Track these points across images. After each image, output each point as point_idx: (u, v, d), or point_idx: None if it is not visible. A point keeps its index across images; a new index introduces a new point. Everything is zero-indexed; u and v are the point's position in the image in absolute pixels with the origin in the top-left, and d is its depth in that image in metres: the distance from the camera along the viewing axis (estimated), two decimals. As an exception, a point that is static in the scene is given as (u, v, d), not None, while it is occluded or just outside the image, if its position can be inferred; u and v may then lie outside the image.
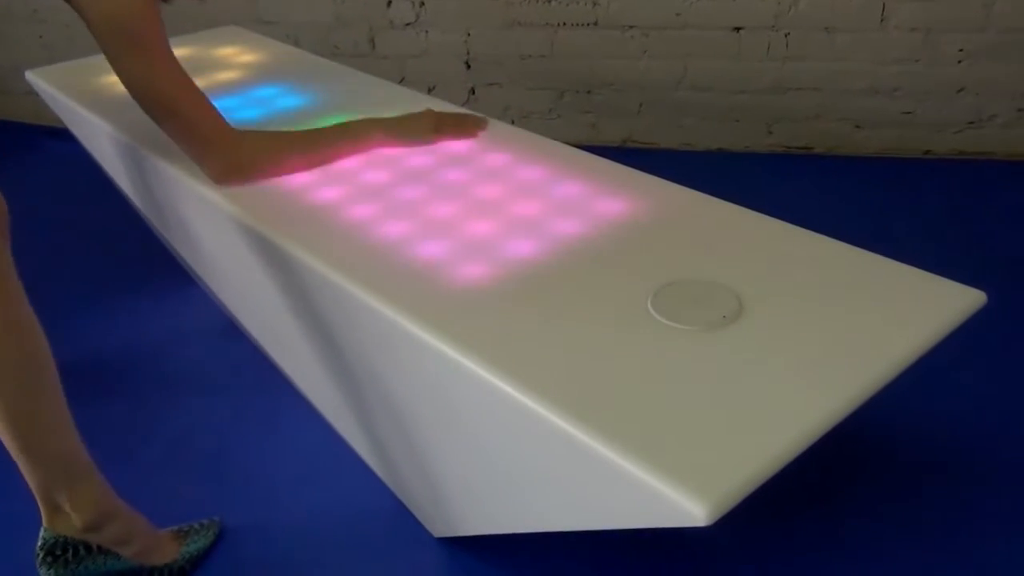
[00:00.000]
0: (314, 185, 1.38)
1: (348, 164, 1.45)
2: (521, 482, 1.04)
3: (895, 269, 1.12)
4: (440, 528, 1.38)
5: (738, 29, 2.58)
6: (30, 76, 2.02)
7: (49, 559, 1.21)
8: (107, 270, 2.30)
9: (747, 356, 0.96)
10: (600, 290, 1.09)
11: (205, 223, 1.50)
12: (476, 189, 1.35)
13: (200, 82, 1.83)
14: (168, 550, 1.35)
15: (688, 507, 0.76)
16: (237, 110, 1.69)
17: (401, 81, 2.83)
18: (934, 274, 1.10)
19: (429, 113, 1.51)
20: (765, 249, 1.17)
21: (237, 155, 1.32)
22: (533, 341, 0.99)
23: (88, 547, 1.24)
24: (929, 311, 1.03)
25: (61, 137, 2.98)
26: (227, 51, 2.07)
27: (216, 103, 1.71)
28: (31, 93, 3.09)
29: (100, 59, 2.05)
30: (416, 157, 1.46)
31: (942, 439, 1.62)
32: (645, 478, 0.79)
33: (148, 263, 2.25)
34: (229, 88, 1.82)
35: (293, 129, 1.44)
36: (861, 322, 1.01)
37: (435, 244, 1.20)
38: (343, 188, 1.36)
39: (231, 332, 1.96)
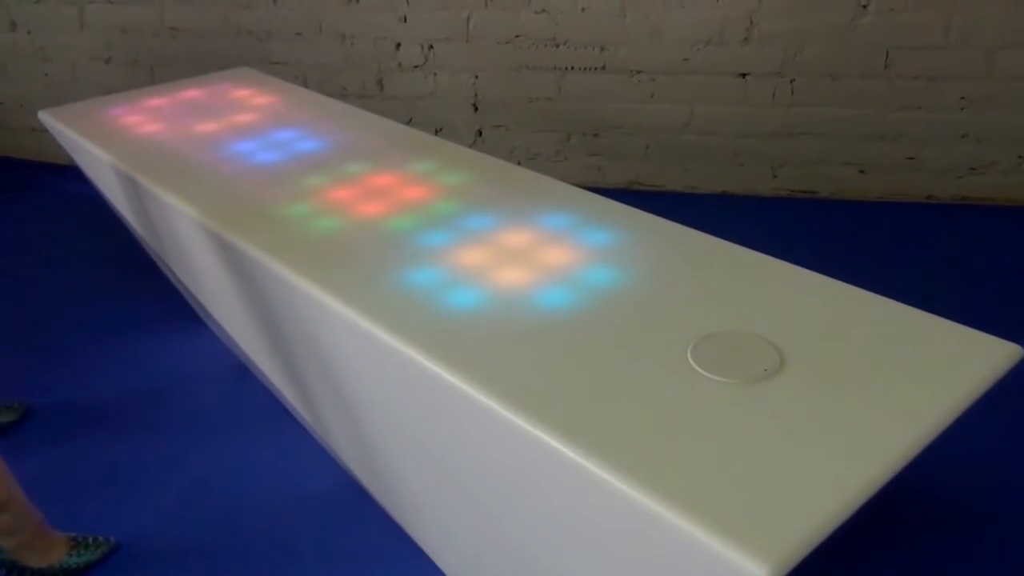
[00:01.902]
0: (342, 231, 1.37)
1: (371, 209, 1.45)
2: (569, 541, 1.02)
3: (929, 322, 1.12)
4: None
5: (744, 75, 2.62)
6: (43, 115, 2.01)
7: None
8: (114, 309, 2.28)
9: (793, 411, 0.95)
10: (639, 341, 1.08)
11: (224, 264, 1.49)
12: (502, 236, 1.35)
13: (218, 124, 1.86)
14: (51, 554, 1.38)
15: (750, 568, 0.75)
16: (257, 153, 1.69)
17: (409, 122, 2.84)
18: (969, 328, 1.10)
19: None
20: (799, 300, 1.17)
21: None
22: (578, 396, 0.98)
23: None
24: (969, 366, 1.03)
25: (64, 174, 2.98)
26: (242, 93, 2.07)
27: (235, 146, 1.73)
28: (35, 130, 3.09)
29: (109, 99, 2.07)
30: (440, 203, 1.46)
31: (954, 484, 1.62)
32: (704, 538, 0.78)
33: (155, 302, 2.24)
34: (247, 131, 1.82)
35: None
36: (904, 377, 1.01)
37: (467, 292, 1.19)
38: (366, 233, 1.36)
39: (242, 373, 1.94)
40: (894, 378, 1.01)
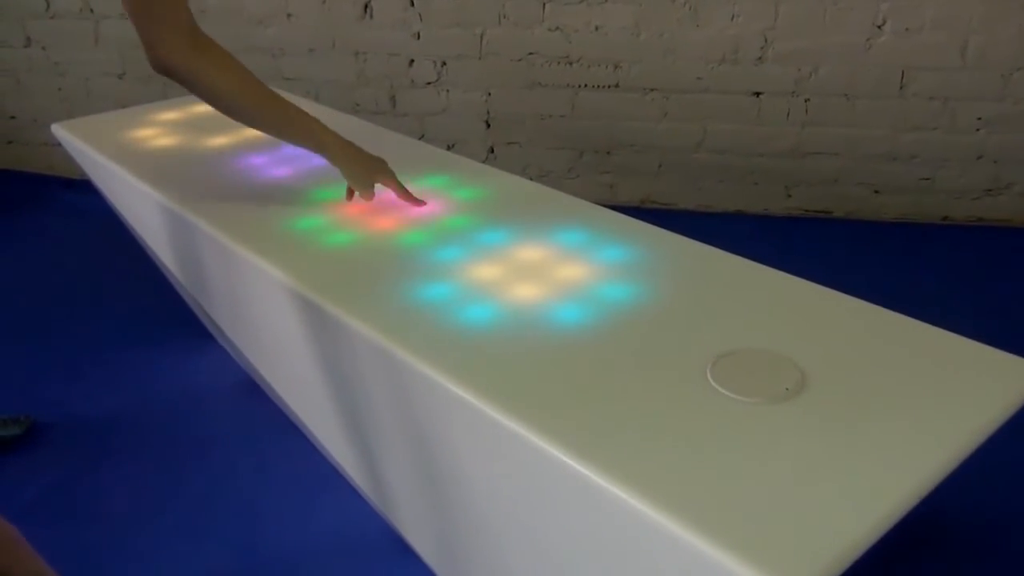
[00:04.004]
0: (354, 246, 1.36)
1: (384, 223, 1.43)
2: (587, 560, 1.00)
3: (954, 342, 1.09)
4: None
5: (758, 94, 2.61)
6: (55, 129, 2.01)
7: None
8: (125, 323, 2.27)
9: (816, 431, 0.93)
10: (657, 359, 1.06)
11: (248, 285, 1.48)
12: (516, 252, 1.33)
13: (228, 139, 1.85)
14: None
15: (774, 595, 0.73)
16: (268, 168, 1.68)
17: (421, 138, 2.83)
18: (996, 349, 1.08)
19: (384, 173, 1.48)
20: (820, 319, 1.14)
21: None
22: (595, 414, 0.96)
23: None
24: (996, 387, 1.00)
25: (76, 188, 2.98)
26: (255, 107, 2.06)
27: (247, 160, 1.72)
28: (47, 144, 3.10)
29: (122, 113, 2.07)
30: (454, 218, 1.45)
31: (982, 511, 1.58)
32: (726, 561, 0.76)
33: (165, 317, 2.23)
34: (258, 146, 1.81)
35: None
36: (929, 398, 0.98)
37: (480, 308, 1.17)
38: (379, 248, 1.35)
39: (252, 389, 1.93)
40: (919, 399, 0.98)
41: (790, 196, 2.76)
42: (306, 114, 1.42)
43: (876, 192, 2.71)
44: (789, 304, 1.18)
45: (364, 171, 1.45)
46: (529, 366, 1.05)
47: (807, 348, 1.07)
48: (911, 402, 0.97)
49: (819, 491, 0.84)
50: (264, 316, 1.47)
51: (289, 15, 2.80)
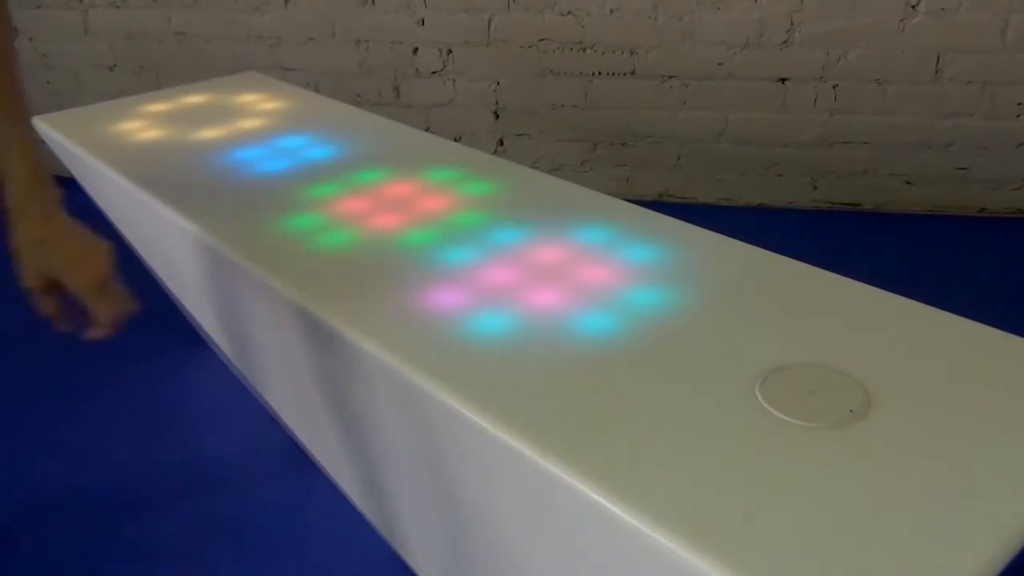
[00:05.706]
0: (352, 246, 1.23)
1: (387, 221, 1.30)
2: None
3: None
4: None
5: (784, 80, 2.47)
6: (38, 122, 1.88)
7: None
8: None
9: (889, 462, 0.79)
10: (697, 374, 0.93)
11: (237, 291, 1.35)
12: (533, 252, 1.20)
13: (219, 132, 1.72)
14: None
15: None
16: (263, 161, 1.55)
17: (426, 131, 2.69)
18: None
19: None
20: (879, 326, 1.01)
21: None
22: (632, 444, 0.83)
23: None
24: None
25: (67, 187, 2.86)
26: (248, 98, 1.94)
27: (240, 153, 1.59)
28: (38, 141, 2.98)
29: (108, 105, 1.94)
30: (463, 215, 1.32)
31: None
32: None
33: (157, 324, 2.09)
34: (252, 137, 1.68)
35: None
36: (1020, 420, 0.85)
37: (495, 317, 1.04)
38: (380, 249, 1.22)
39: (244, 397, 1.81)
40: (1010, 422, 0.84)
41: (816, 188, 2.63)
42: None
43: (908, 183, 2.57)
44: (844, 310, 1.05)
45: (37, 248, 0.94)
46: (554, 386, 0.92)
47: (870, 361, 0.94)
48: (1000, 427, 0.84)
49: (898, 535, 0.71)
50: (255, 326, 1.35)
51: (287, 1, 2.67)
